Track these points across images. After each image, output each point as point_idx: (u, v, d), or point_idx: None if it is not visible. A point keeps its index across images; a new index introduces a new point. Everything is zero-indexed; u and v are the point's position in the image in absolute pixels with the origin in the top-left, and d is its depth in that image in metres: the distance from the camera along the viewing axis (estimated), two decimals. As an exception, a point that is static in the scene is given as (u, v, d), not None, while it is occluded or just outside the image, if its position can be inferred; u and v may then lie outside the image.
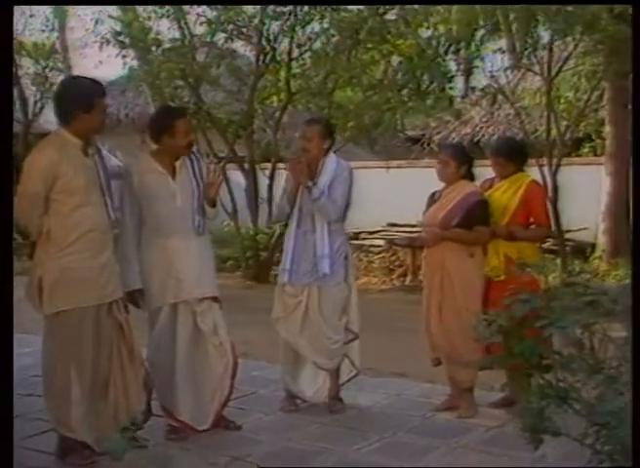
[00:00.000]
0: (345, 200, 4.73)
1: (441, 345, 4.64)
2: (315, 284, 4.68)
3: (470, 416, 4.58)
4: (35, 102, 13.18)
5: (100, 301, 3.95)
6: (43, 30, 14.61)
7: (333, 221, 4.69)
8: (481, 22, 11.15)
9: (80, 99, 3.88)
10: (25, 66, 13.44)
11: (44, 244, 3.89)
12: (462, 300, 4.56)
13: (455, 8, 10.24)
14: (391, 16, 10.95)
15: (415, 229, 11.72)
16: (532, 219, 4.70)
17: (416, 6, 10.42)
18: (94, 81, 4.08)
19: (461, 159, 4.67)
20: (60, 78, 12.33)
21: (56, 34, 14.93)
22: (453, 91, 12.19)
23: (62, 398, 3.94)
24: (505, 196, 4.66)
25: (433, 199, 4.80)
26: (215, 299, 4.42)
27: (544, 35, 11.40)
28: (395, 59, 11.52)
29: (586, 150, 12.96)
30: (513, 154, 4.76)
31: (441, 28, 11.05)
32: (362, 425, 4.55)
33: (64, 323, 3.90)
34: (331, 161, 4.73)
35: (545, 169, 9.54)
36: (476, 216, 4.56)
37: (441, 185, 4.79)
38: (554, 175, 9.67)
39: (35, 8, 14.63)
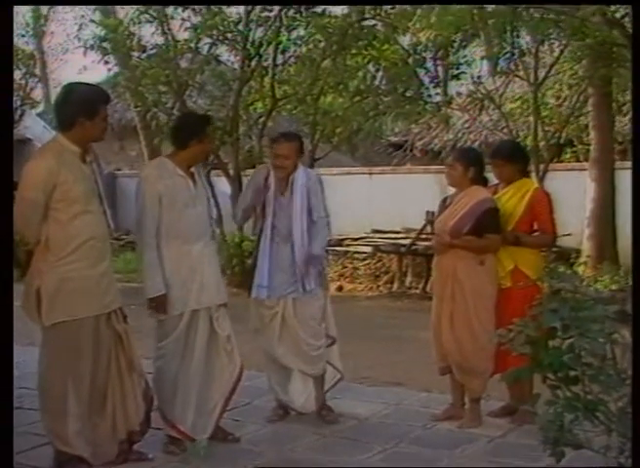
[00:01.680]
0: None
1: (451, 354, 4.58)
2: (291, 295, 4.65)
3: (473, 427, 4.53)
4: (15, 109, 13.00)
5: (98, 311, 3.86)
6: (23, 35, 14.40)
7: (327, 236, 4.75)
8: (460, 28, 11.18)
9: (84, 106, 3.80)
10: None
11: (42, 253, 3.80)
12: (473, 309, 4.50)
13: (435, 12, 10.23)
14: (376, 21, 10.96)
15: (399, 236, 11.79)
16: (536, 226, 4.65)
17: (401, 9, 10.39)
18: (97, 88, 4.00)
19: (469, 162, 4.60)
20: (41, 85, 12.15)
21: (35, 39, 14.73)
22: (439, 96, 12.20)
23: (59, 411, 3.85)
24: (511, 202, 4.61)
25: (444, 205, 4.75)
26: (225, 306, 4.39)
27: (526, 41, 11.46)
28: (381, 65, 11.51)
29: (568, 156, 13.03)
30: (513, 157, 4.70)
31: (423, 35, 11.06)
32: (363, 436, 4.48)
33: (63, 334, 3.81)
34: (300, 173, 4.69)
35: (532, 175, 9.55)
36: (487, 224, 4.50)
37: (452, 190, 4.76)
38: (541, 180, 9.69)
39: (15, 12, 14.41)
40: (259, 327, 4.74)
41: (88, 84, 4.17)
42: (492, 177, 4.82)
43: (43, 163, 3.80)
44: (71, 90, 3.94)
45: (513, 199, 4.62)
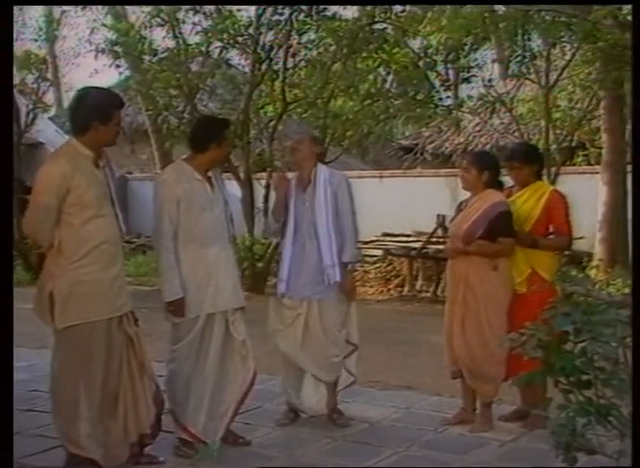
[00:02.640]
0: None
1: (463, 359, 4.56)
2: (316, 297, 4.62)
3: (484, 431, 4.50)
4: (27, 113, 13.07)
5: (110, 315, 3.87)
6: (36, 40, 14.49)
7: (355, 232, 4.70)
8: (471, 31, 11.18)
9: (98, 111, 3.82)
10: (18, 77, 13.32)
11: (55, 256, 3.81)
12: (485, 314, 4.47)
13: (446, 15, 10.23)
14: (386, 24, 10.96)
15: (410, 239, 11.78)
16: (552, 229, 4.62)
17: (412, 12, 10.39)
18: (111, 92, 4.02)
19: (483, 166, 4.58)
20: (53, 89, 12.21)
21: (48, 44, 14.81)
22: (450, 100, 12.20)
23: (71, 414, 3.85)
24: (527, 205, 4.59)
25: (460, 208, 4.72)
26: (242, 309, 4.38)
27: (537, 44, 11.43)
28: (391, 69, 11.51)
29: (580, 159, 12.98)
30: (530, 159, 4.68)
31: (434, 38, 11.05)
32: (374, 440, 4.47)
33: (75, 337, 3.82)
34: (322, 169, 4.72)
35: (544, 178, 9.52)
36: (500, 228, 4.46)
37: (467, 194, 4.73)
38: (553, 183, 9.64)
39: (27, 17, 14.54)
40: (279, 328, 4.70)
41: (102, 88, 4.19)
42: (507, 180, 4.80)
43: (57, 167, 3.81)
44: (86, 94, 3.95)
45: (529, 202, 4.59)
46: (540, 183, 4.73)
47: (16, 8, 13.85)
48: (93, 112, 3.81)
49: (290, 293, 4.63)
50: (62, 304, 3.79)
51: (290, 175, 4.89)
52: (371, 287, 11.41)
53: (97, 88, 4.14)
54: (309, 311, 4.63)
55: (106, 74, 11.30)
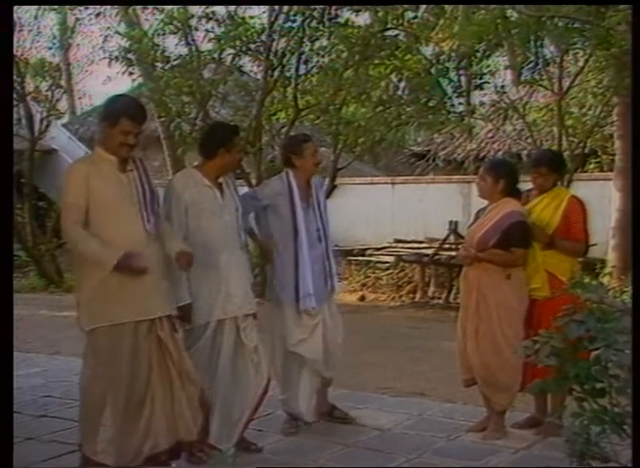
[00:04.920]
0: None
1: (476, 367, 4.53)
2: (326, 301, 4.73)
3: (497, 439, 4.48)
4: (41, 120, 13.14)
5: (137, 317, 3.84)
6: (50, 48, 14.57)
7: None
8: (484, 37, 11.19)
9: (110, 117, 3.87)
10: (32, 84, 13.42)
11: (81, 260, 3.85)
12: (498, 323, 4.44)
13: (458, 22, 10.22)
14: (398, 31, 10.97)
15: (422, 245, 11.76)
16: (570, 235, 4.56)
17: (424, 19, 10.39)
18: (125, 99, 4.11)
19: (499, 174, 4.54)
20: (66, 96, 12.25)
21: (61, 51, 14.89)
22: (462, 106, 12.18)
23: (93, 418, 3.85)
24: (547, 212, 4.55)
25: (477, 216, 4.69)
26: (254, 316, 4.38)
27: (550, 50, 11.41)
28: (404, 75, 11.51)
29: (592, 166, 12.93)
30: (556, 166, 4.65)
31: (446, 44, 11.05)
32: (386, 447, 4.45)
33: (100, 340, 3.82)
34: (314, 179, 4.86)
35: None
36: (514, 238, 4.43)
37: (485, 202, 4.70)
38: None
39: (42, 25, 14.64)
40: (304, 338, 4.68)
41: (121, 96, 4.27)
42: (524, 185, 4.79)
43: (75, 170, 3.91)
44: (109, 101, 4.04)
45: (549, 208, 4.56)
46: (559, 189, 4.69)
47: (30, 16, 14.00)
48: (109, 119, 3.88)
49: (316, 301, 4.64)
50: (87, 307, 3.81)
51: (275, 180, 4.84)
52: (383, 293, 11.40)
53: (122, 95, 4.29)
54: (324, 316, 4.71)
55: (120, 81, 11.35)
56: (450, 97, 11.79)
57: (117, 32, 11.39)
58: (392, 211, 12.37)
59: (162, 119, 12.46)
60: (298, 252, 4.63)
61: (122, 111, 3.88)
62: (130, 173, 3.92)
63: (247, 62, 11.60)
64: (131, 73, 11.01)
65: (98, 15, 11.60)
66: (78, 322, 3.88)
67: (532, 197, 4.68)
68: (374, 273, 11.75)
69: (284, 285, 4.65)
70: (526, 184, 4.78)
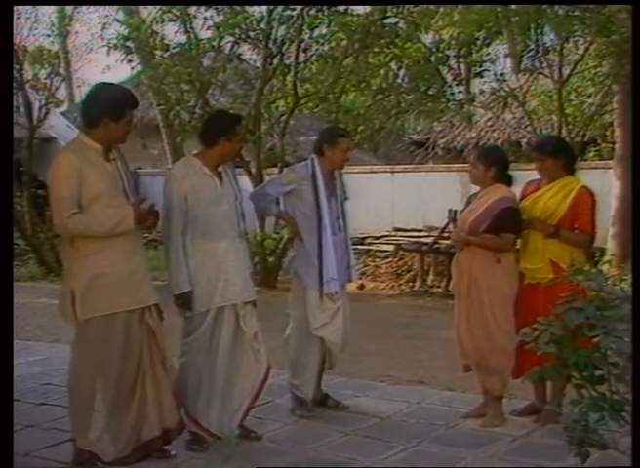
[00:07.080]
0: None
1: (469, 352, 4.57)
2: (343, 286, 4.91)
3: (495, 426, 4.50)
4: (40, 108, 13.11)
5: (131, 307, 3.87)
6: (48, 35, 14.50)
7: None
8: (484, 25, 11.15)
9: (111, 107, 3.82)
10: (31, 72, 13.38)
11: (73, 251, 3.85)
12: (489, 307, 4.47)
13: (458, 10, 10.20)
14: (398, 19, 10.93)
15: (421, 234, 11.76)
16: (576, 225, 4.54)
17: (424, 7, 10.35)
18: (126, 91, 4.03)
19: (490, 161, 4.56)
20: (65, 84, 12.23)
21: (60, 39, 14.82)
22: (462, 94, 12.16)
23: (85, 408, 3.87)
24: (554, 200, 4.53)
25: (469, 202, 4.73)
26: (253, 304, 4.39)
27: (550, 38, 11.37)
28: (403, 63, 11.48)
29: (592, 154, 12.91)
30: (555, 152, 4.59)
31: (446, 32, 11.02)
32: (385, 435, 4.47)
33: (94, 330, 3.83)
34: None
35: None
36: (503, 223, 4.46)
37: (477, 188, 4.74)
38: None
39: (40, 13, 14.57)
40: (326, 321, 4.78)
41: (118, 85, 4.20)
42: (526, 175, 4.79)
43: (66, 160, 3.83)
44: (101, 89, 3.97)
45: (557, 197, 4.54)
46: (569, 178, 4.61)
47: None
48: (105, 108, 3.82)
49: (339, 285, 4.79)
50: (82, 297, 3.81)
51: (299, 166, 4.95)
52: (382, 282, 11.40)
53: (112, 84, 4.15)
54: (344, 300, 4.88)
55: (118, 69, 11.32)
56: (449, 86, 11.77)
57: (116, 20, 11.34)
58: (392, 199, 12.35)
59: (161, 107, 12.43)
60: (322, 237, 4.73)
61: (126, 103, 3.88)
62: (113, 161, 3.92)
63: (246, 50, 11.58)
64: (130, 61, 10.98)
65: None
66: (70, 316, 3.87)
67: (542, 185, 4.65)
68: (373, 262, 11.75)
69: (308, 269, 4.74)
70: (531, 173, 4.78)
